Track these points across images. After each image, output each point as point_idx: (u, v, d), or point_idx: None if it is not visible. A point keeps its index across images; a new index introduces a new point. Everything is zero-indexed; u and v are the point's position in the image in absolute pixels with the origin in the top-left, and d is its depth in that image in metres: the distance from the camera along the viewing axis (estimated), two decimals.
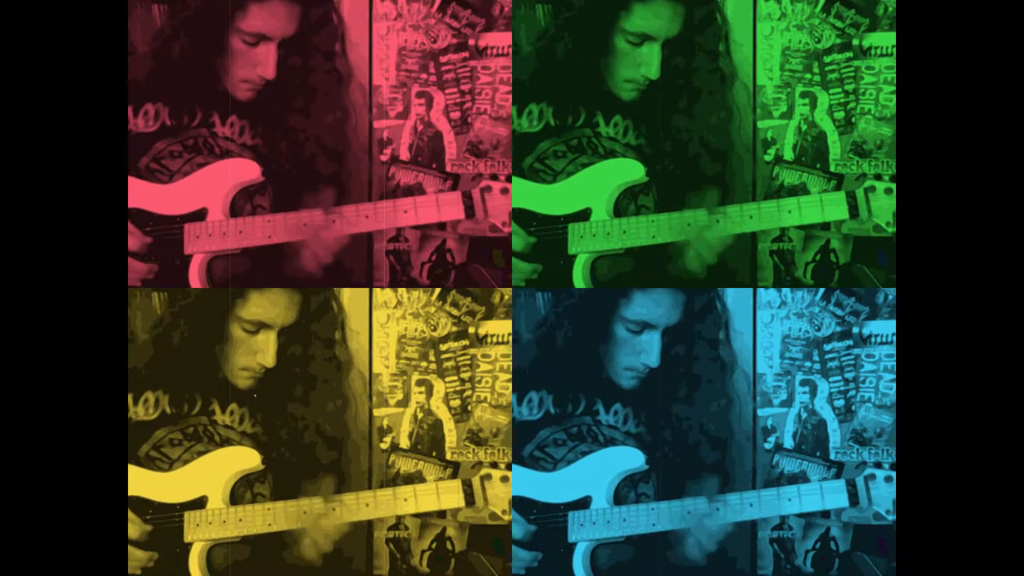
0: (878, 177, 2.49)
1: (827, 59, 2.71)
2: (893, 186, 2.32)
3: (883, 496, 2.25)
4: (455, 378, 2.71)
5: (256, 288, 2.34)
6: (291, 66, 2.43)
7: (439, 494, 2.30)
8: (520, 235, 2.42)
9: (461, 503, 2.30)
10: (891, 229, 2.32)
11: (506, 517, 2.30)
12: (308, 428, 2.39)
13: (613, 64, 2.44)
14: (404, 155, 2.76)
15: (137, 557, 2.27)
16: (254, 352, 2.33)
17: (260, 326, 2.32)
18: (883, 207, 2.33)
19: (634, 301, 2.35)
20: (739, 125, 2.58)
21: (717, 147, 2.48)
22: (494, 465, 2.60)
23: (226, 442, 2.37)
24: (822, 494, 2.28)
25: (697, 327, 2.41)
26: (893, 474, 2.26)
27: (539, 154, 2.50)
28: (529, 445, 2.41)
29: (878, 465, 2.59)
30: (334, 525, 2.28)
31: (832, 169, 2.72)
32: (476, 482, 2.30)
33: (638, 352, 2.36)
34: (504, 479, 2.29)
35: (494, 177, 2.65)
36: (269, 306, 2.32)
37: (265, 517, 2.28)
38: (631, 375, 2.39)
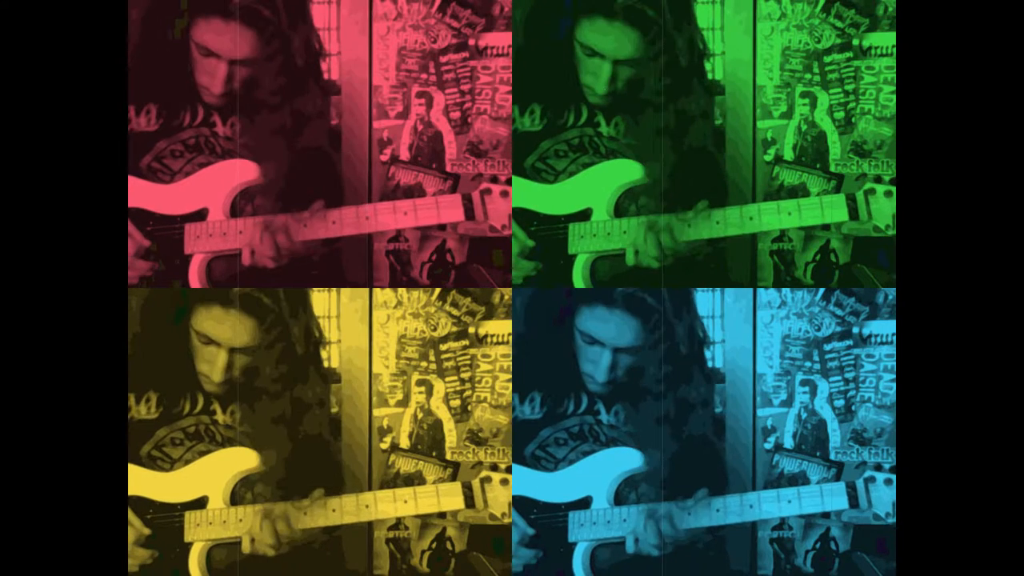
0: (878, 180, 2.48)
1: (827, 59, 2.71)
2: (893, 188, 2.31)
3: (883, 499, 2.24)
4: (455, 378, 2.71)
5: (204, 303, 2.30)
6: (259, 87, 2.39)
7: (439, 496, 2.29)
8: (521, 234, 2.42)
9: (461, 505, 2.30)
10: (891, 232, 2.31)
11: (506, 520, 2.30)
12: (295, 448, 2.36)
13: (577, 68, 2.43)
14: (404, 155, 2.76)
15: (137, 556, 2.27)
16: (208, 361, 2.31)
17: (209, 340, 2.30)
18: (883, 209, 2.32)
19: (583, 314, 2.33)
20: (724, 153, 2.56)
21: (701, 164, 2.44)
22: (494, 467, 2.60)
23: (227, 441, 2.36)
24: (822, 496, 2.27)
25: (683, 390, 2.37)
26: (893, 477, 2.25)
27: (541, 153, 2.49)
28: (531, 444, 2.40)
29: (878, 467, 2.59)
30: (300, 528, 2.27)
31: (832, 169, 2.72)
32: (476, 484, 2.29)
33: (591, 361, 2.35)
34: (504, 482, 2.29)
35: (494, 179, 2.64)
36: (215, 323, 2.28)
37: (267, 519, 2.27)
38: (590, 381, 2.38)
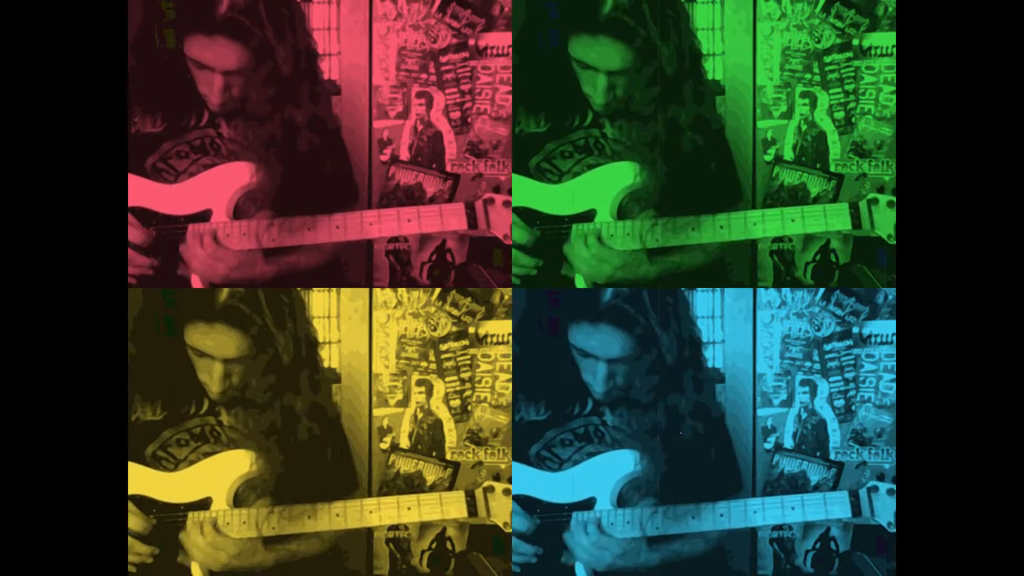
0: (880, 189, 2.49)
1: (827, 59, 2.71)
2: (894, 199, 2.31)
3: (886, 508, 2.25)
4: (455, 378, 2.71)
5: (190, 320, 2.24)
6: (250, 98, 2.38)
7: (442, 504, 2.29)
8: (524, 229, 2.41)
9: (464, 514, 2.30)
10: (893, 242, 2.31)
11: (507, 529, 2.30)
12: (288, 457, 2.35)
13: (578, 78, 2.42)
14: (404, 155, 2.76)
15: (139, 553, 2.27)
16: (205, 372, 2.29)
17: (202, 353, 2.28)
18: (886, 219, 2.31)
19: (572, 330, 2.32)
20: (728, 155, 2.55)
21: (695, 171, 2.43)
22: (496, 477, 2.61)
23: (232, 443, 2.35)
24: (825, 504, 2.27)
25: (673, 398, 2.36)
26: (895, 487, 2.25)
27: (546, 154, 2.48)
28: (536, 444, 2.39)
29: (880, 477, 2.60)
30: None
31: (832, 169, 2.73)
32: (479, 494, 2.30)
33: (589, 372, 2.33)
34: (506, 492, 2.29)
35: (496, 189, 2.65)
36: (201, 337, 2.25)
37: (269, 521, 2.28)
38: (591, 390, 2.37)
